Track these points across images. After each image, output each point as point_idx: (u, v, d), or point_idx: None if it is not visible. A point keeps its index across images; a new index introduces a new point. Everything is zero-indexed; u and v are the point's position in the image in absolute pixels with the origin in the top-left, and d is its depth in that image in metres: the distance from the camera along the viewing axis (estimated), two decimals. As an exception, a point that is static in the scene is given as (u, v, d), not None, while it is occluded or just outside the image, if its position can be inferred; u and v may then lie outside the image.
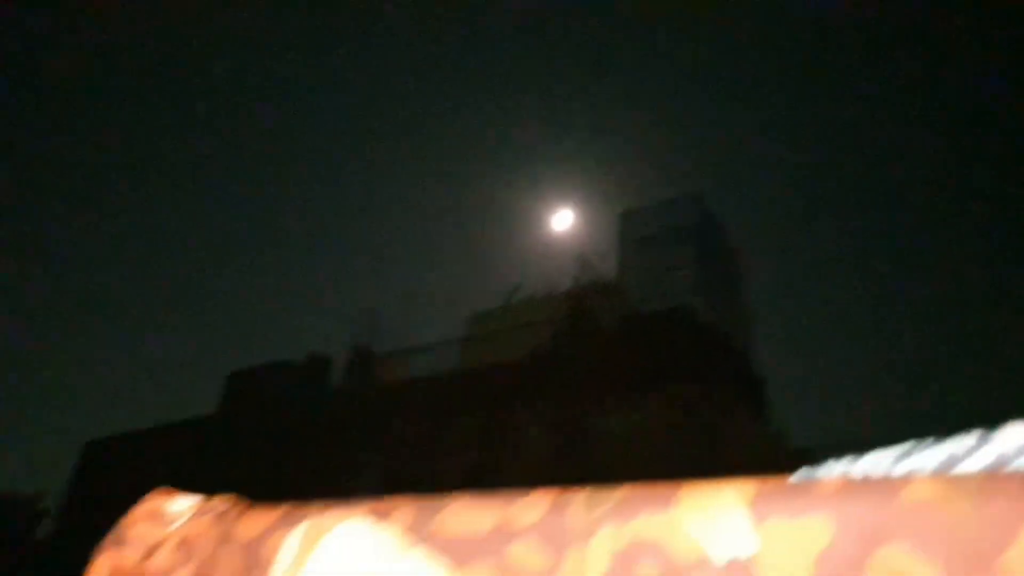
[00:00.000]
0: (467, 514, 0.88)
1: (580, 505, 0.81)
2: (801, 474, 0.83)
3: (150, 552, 1.09)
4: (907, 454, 0.79)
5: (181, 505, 1.14)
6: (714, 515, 0.72)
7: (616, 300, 13.65)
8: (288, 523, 1.03)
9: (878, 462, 0.81)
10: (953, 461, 0.74)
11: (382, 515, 0.96)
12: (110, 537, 1.11)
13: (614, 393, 10.67)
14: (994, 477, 0.67)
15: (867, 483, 0.70)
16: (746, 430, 10.67)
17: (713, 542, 0.71)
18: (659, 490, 0.78)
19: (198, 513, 1.12)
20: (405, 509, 0.95)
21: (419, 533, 0.91)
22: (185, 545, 1.09)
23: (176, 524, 1.11)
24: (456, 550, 0.86)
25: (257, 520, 1.06)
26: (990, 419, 0.76)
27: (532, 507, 0.84)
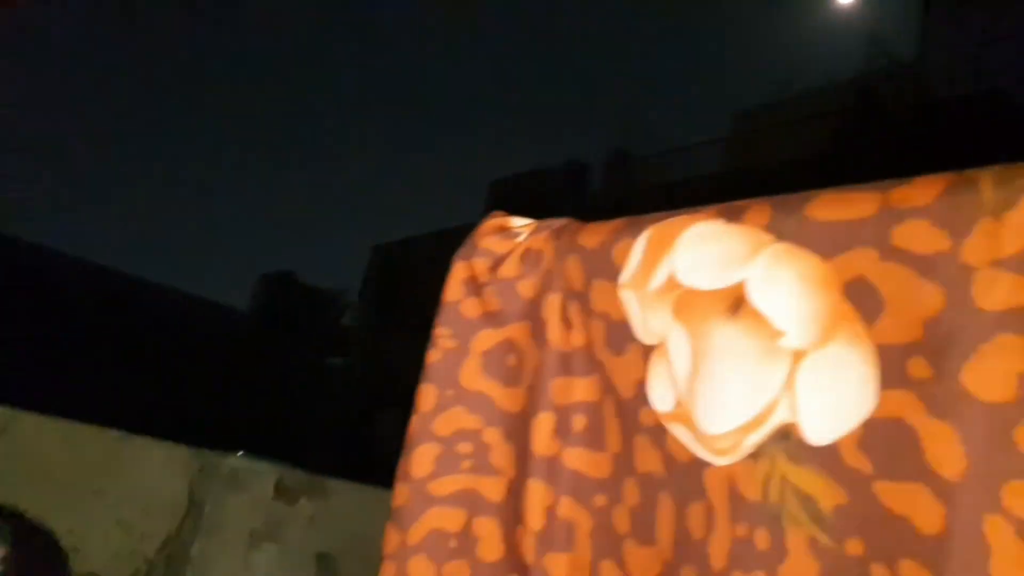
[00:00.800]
0: (839, 204, 0.82)
1: (988, 182, 0.71)
2: None
3: (498, 262, 1.18)
4: None
5: (520, 223, 1.20)
6: None
7: (916, 84, 11.93)
8: (631, 232, 1.04)
9: None
10: None
11: (733, 217, 0.93)
12: (463, 250, 1.22)
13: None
14: None
15: None
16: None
17: None
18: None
19: (538, 229, 1.17)
20: (759, 208, 0.91)
21: (779, 229, 0.87)
22: (529, 255, 1.16)
23: (520, 238, 1.18)
24: (828, 239, 0.81)
25: (598, 231, 1.09)
26: None
27: (923, 188, 0.75)
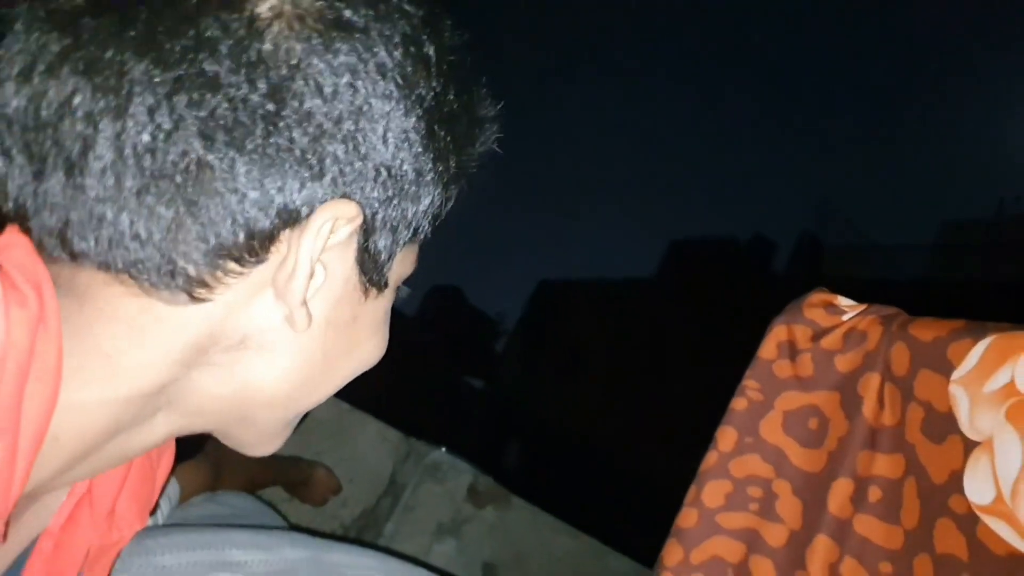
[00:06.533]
0: None
1: None
2: None
3: (820, 334, 1.30)
4: None
5: (846, 303, 1.33)
6: None
7: None
8: (972, 334, 1.13)
9: None
10: None
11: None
12: (785, 315, 1.35)
13: None
14: None
15: None
16: None
17: None
18: None
19: (866, 312, 1.29)
20: None
21: None
22: (853, 333, 1.27)
23: (846, 316, 1.30)
24: None
25: (932, 327, 1.19)
26: None
27: None
